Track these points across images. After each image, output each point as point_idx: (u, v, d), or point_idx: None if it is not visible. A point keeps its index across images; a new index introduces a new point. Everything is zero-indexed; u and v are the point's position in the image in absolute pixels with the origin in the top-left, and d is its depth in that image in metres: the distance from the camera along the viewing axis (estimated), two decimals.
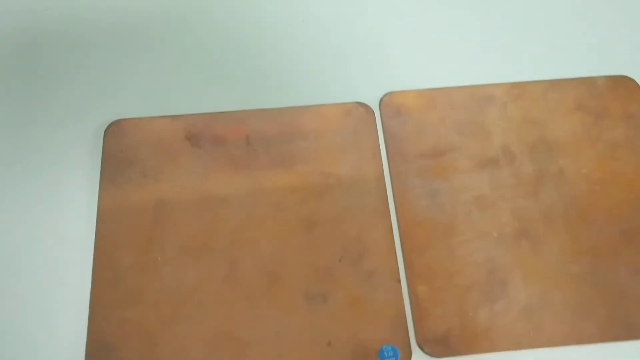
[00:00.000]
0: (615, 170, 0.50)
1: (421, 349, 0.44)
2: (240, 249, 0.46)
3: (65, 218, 0.47)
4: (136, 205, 0.47)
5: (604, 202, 0.49)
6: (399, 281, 0.46)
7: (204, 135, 0.50)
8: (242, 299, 0.45)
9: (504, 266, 0.46)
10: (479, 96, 0.53)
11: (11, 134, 0.51)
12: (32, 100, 0.52)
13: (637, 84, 0.54)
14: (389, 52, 0.56)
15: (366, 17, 0.58)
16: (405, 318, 0.44)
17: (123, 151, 0.49)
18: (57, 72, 0.53)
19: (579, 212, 0.48)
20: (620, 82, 0.54)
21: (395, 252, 0.47)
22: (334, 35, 0.56)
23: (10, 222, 0.47)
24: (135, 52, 0.55)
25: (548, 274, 0.46)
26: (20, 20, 0.56)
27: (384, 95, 0.53)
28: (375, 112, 0.52)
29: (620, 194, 0.49)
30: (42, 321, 0.44)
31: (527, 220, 0.48)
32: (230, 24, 0.57)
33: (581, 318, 0.45)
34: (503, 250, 0.47)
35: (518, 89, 0.53)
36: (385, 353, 0.43)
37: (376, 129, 0.51)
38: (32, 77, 0.53)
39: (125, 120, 0.50)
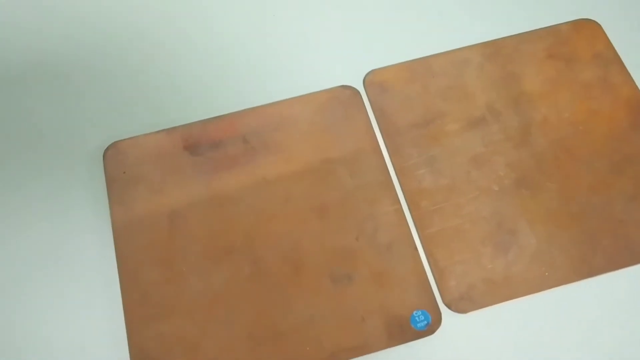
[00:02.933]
0: (593, 109, 0.53)
1: (448, 307, 0.46)
2: (260, 244, 0.47)
3: (82, 248, 0.48)
4: (150, 222, 0.48)
5: (589, 140, 0.52)
6: (416, 248, 0.48)
7: (202, 142, 0.51)
8: (271, 292, 0.46)
9: (510, 216, 0.49)
10: (456, 60, 0.55)
11: (8, 174, 0.51)
12: (25, 137, 0.52)
13: (598, 24, 0.56)
14: (363, 32, 0.57)
15: (334, 4, 0.59)
16: (429, 282, 0.47)
17: (126, 172, 0.50)
18: (44, 104, 0.53)
19: (568, 153, 0.51)
20: (583, 25, 0.57)
21: (407, 222, 0.48)
22: (307, 26, 0.57)
23: (29, 260, 0.48)
24: (118, 73, 0.55)
25: (551, 216, 0.49)
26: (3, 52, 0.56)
27: (366, 75, 0.54)
28: (361, 92, 0.54)
29: (602, 129, 0.52)
30: (83, 351, 0.45)
31: (523, 170, 0.50)
32: (206, 30, 0.57)
33: (589, 252, 0.47)
34: (506, 202, 0.49)
35: (491, 48, 0.56)
36: (417, 318, 0.45)
37: (365, 108, 0.53)
38: (19, 112, 0.53)
39: (121, 141, 0.51)
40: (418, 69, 0.55)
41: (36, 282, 0.47)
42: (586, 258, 0.47)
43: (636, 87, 0.54)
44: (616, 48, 0.55)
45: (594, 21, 0.57)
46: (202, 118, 0.52)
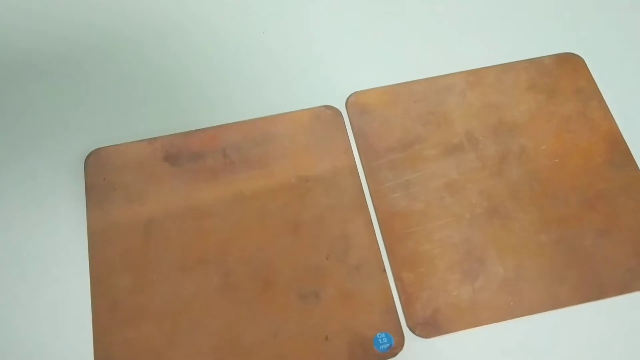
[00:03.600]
0: (571, 142, 0.54)
1: (412, 331, 0.46)
2: (232, 257, 0.48)
3: (57, 250, 0.49)
4: (126, 229, 0.49)
5: (564, 173, 0.52)
6: (384, 270, 0.48)
7: (182, 154, 0.52)
8: (239, 306, 0.47)
9: (479, 244, 0.49)
10: (439, 87, 0.56)
11: None
12: (9, 137, 0.53)
13: (582, 59, 0.57)
14: (348, 54, 0.58)
15: (322, 24, 0.60)
16: (395, 305, 0.47)
17: (106, 178, 0.51)
18: (29, 107, 0.55)
19: (543, 185, 0.52)
20: (566, 59, 0.57)
21: (378, 244, 0.49)
22: (294, 45, 0.58)
23: (1, 258, 0.49)
24: (104, 80, 0.56)
25: (520, 247, 0.49)
26: None
27: (349, 96, 0.55)
28: (342, 113, 0.54)
29: (578, 163, 0.53)
30: (48, 351, 0.45)
31: (496, 199, 0.51)
32: (193, 43, 0.58)
33: (556, 284, 0.48)
34: (477, 230, 0.50)
35: (474, 76, 0.56)
36: (380, 340, 0.46)
37: (345, 128, 0.54)
38: (5, 114, 0.54)
39: (104, 148, 0.52)
40: (400, 93, 0.56)
41: (7, 280, 0.48)
42: (552, 290, 0.48)
43: (615, 123, 0.54)
44: (598, 83, 0.56)
45: (577, 56, 0.57)
46: (185, 130, 0.53)
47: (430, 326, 0.47)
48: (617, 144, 0.53)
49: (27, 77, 0.56)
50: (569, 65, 0.57)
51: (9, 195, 0.51)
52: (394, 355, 0.46)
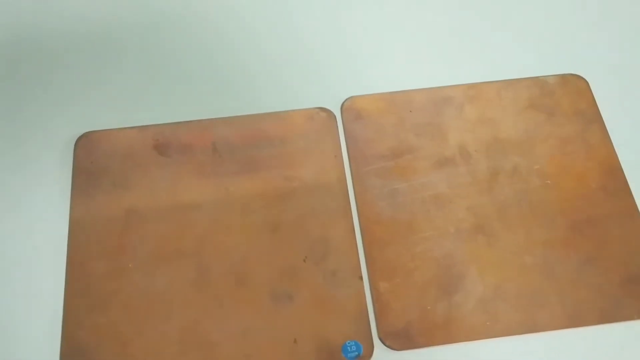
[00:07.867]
0: (566, 165, 0.52)
1: (383, 342, 0.46)
2: (209, 252, 0.48)
3: (37, 229, 0.49)
4: (107, 214, 0.49)
5: (555, 195, 0.51)
6: (361, 278, 0.48)
7: (172, 144, 0.52)
8: (210, 301, 0.46)
9: (461, 261, 0.49)
10: (437, 98, 0.55)
11: None
12: (6, 114, 0.54)
13: (586, 81, 0.56)
14: (349, 58, 0.58)
15: (325, 25, 0.60)
16: (368, 313, 0.47)
17: (93, 162, 0.51)
18: (23, 86, 0.55)
19: (532, 206, 0.51)
20: (570, 81, 0.56)
21: (357, 251, 0.49)
22: (295, 44, 0.58)
23: None
24: (102, 65, 0.57)
25: (503, 266, 0.48)
26: None
27: (345, 100, 0.55)
28: (336, 117, 0.54)
29: (570, 187, 0.52)
30: (16, 329, 0.46)
31: (483, 216, 0.50)
32: (193, 35, 0.58)
33: (535, 307, 0.47)
34: (460, 246, 0.49)
35: (474, 90, 0.56)
36: (349, 348, 0.45)
37: (338, 132, 0.53)
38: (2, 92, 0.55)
39: (94, 132, 0.52)
40: (397, 101, 0.55)
41: None
42: (531, 313, 0.47)
43: (613, 149, 0.53)
44: (600, 108, 0.55)
45: (582, 77, 0.56)
46: (177, 120, 0.53)
47: (401, 338, 0.46)
48: (613, 170, 0.52)
49: (23, 57, 0.57)
50: (572, 87, 0.56)
51: None
52: None
